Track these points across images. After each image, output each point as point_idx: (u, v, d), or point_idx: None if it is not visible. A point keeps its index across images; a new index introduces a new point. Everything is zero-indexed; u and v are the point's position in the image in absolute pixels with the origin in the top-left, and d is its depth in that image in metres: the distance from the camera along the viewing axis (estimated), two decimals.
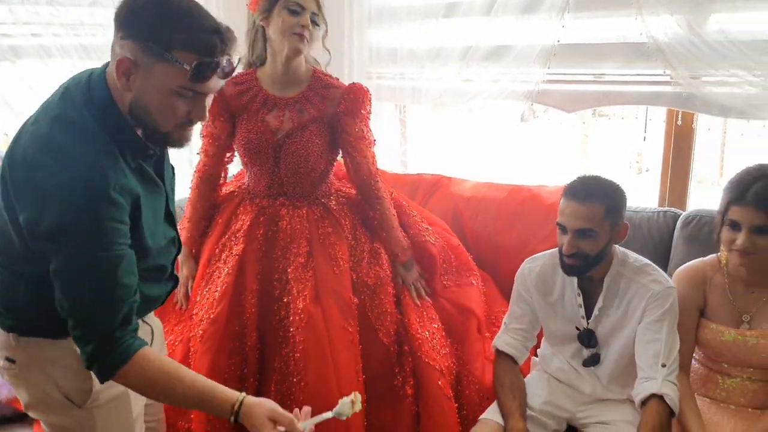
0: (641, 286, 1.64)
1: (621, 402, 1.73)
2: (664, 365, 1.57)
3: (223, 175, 2.07)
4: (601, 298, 1.69)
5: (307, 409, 1.31)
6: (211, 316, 1.78)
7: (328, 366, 1.71)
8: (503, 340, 1.82)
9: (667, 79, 2.18)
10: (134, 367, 1.17)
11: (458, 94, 2.48)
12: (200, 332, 1.78)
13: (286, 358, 1.74)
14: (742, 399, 1.65)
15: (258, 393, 1.76)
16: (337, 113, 1.89)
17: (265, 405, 1.24)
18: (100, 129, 1.16)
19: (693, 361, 1.73)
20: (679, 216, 2.17)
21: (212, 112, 1.89)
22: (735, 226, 1.54)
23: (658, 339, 1.59)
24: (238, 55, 1.22)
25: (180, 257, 1.88)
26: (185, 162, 2.30)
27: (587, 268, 1.64)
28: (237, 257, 1.84)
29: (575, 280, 1.71)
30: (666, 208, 2.24)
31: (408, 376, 1.82)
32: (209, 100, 1.21)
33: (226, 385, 1.64)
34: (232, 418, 1.21)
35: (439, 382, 1.78)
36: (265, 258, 1.86)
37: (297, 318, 1.75)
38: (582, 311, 1.72)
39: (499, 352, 1.81)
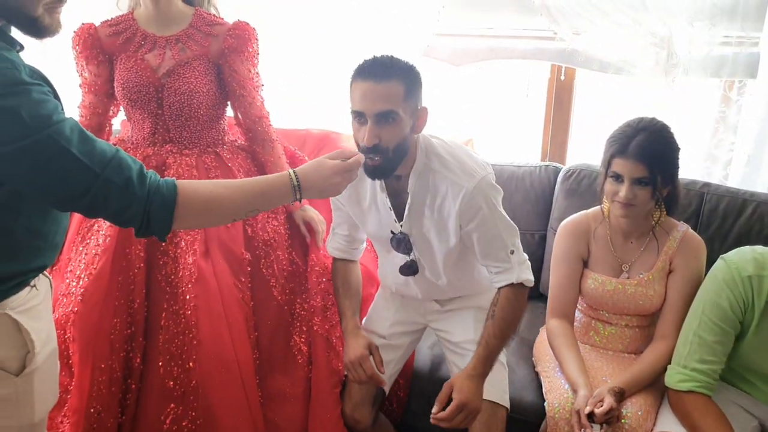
0: (451, 182, 1.51)
1: (466, 310, 1.75)
2: (512, 251, 1.56)
3: (106, 130, 1.91)
4: (409, 198, 1.56)
5: None
6: (92, 273, 1.64)
7: (221, 323, 1.64)
8: (332, 245, 1.78)
9: (551, 34, 2.22)
10: (188, 192, 1.14)
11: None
12: (81, 290, 1.63)
13: (176, 315, 1.64)
14: (620, 345, 1.74)
15: (145, 352, 1.67)
16: (222, 50, 1.78)
17: (325, 164, 1.27)
18: None
19: (576, 311, 1.80)
20: (560, 170, 2.24)
21: (83, 56, 1.79)
22: (618, 178, 1.59)
23: (495, 234, 1.54)
24: None
25: None
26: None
27: (391, 166, 1.47)
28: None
29: (381, 182, 1.58)
30: (547, 163, 2.30)
31: (302, 344, 1.76)
32: None
33: (112, 347, 1.62)
34: (297, 194, 1.23)
35: (328, 355, 1.73)
36: None
37: (187, 273, 1.65)
38: (392, 214, 1.60)
39: (334, 259, 1.79)
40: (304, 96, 2.54)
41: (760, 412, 1.54)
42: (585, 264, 1.76)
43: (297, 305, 1.80)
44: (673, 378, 1.51)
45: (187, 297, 1.63)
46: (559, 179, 2.20)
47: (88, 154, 1.04)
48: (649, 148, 1.55)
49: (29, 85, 1.00)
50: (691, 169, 2.18)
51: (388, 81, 1.39)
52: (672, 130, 1.62)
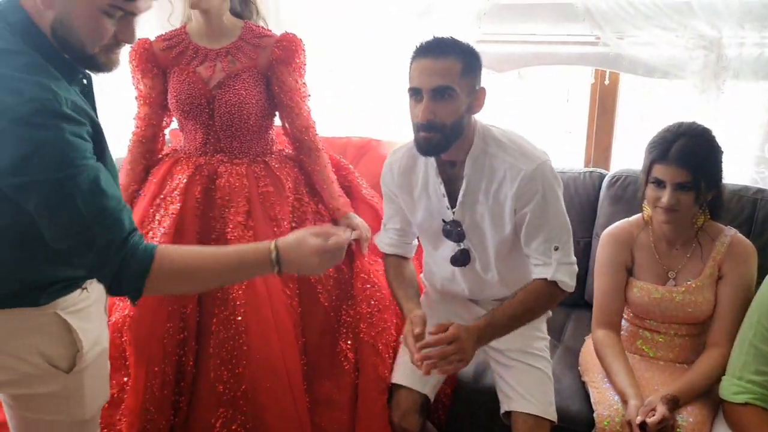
0: (509, 166, 1.48)
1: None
2: (557, 248, 1.51)
3: (159, 139, 1.99)
4: (464, 183, 1.53)
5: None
6: None
7: (271, 329, 1.67)
8: (383, 241, 1.77)
9: (594, 39, 2.20)
10: (163, 261, 1.13)
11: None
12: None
13: (226, 321, 1.68)
14: (670, 354, 1.71)
15: (197, 357, 1.71)
16: (271, 62, 1.83)
17: (307, 241, 1.22)
18: (31, 51, 1.06)
19: (623, 320, 1.77)
20: (605, 176, 2.21)
21: (139, 70, 1.86)
22: (659, 184, 1.57)
23: (545, 222, 1.50)
24: None
25: None
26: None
27: (445, 143, 1.45)
28: (174, 216, 1.76)
29: (436, 166, 1.56)
30: (591, 169, 2.28)
31: (349, 350, 1.77)
32: (136, 23, 1.14)
33: (164, 351, 1.66)
34: (276, 269, 1.19)
35: (375, 361, 1.74)
36: (203, 217, 1.79)
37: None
38: (446, 201, 1.57)
39: (385, 255, 1.78)
40: (349, 105, 2.57)
41: None
42: (629, 272, 1.73)
43: (343, 312, 1.82)
44: (728, 390, 1.48)
45: (237, 303, 1.67)
46: (604, 185, 2.17)
47: (90, 206, 1.06)
48: (691, 152, 1.53)
49: (65, 121, 1.02)
50: (743, 174, 2.13)
51: (446, 57, 1.40)
52: (713, 134, 1.59)
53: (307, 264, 1.22)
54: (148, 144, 1.94)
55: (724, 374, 1.51)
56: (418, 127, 1.44)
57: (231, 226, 1.75)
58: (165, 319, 1.68)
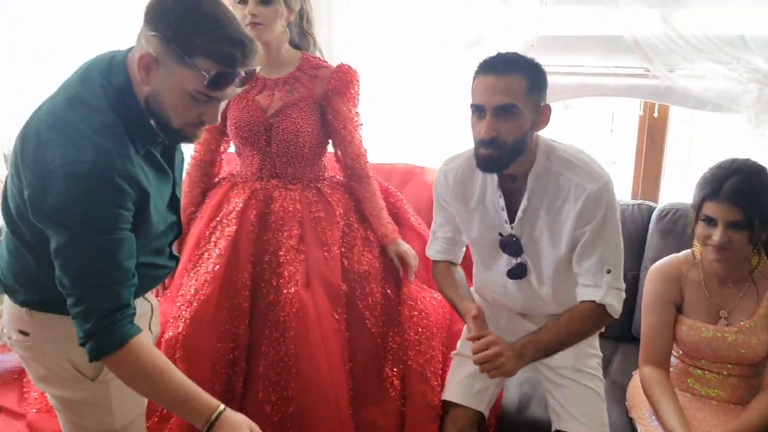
0: (575, 184, 1.46)
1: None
2: (609, 271, 1.47)
3: (217, 163, 2.06)
4: (525, 198, 1.51)
5: None
6: (201, 298, 1.74)
7: (320, 352, 1.69)
8: (434, 249, 1.76)
9: (643, 71, 2.20)
10: (129, 353, 1.16)
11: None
12: (189, 314, 1.73)
13: (276, 343, 1.71)
14: (723, 394, 1.66)
15: (246, 378, 1.74)
16: (326, 92, 1.88)
17: (245, 421, 1.21)
18: (114, 113, 1.16)
19: (672, 357, 1.74)
20: (654, 209, 2.18)
21: None
22: (710, 221, 1.54)
23: (601, 243, 1.47)
24: (260, 66, 1.22)
25: None
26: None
27: (506, 160, 1.43)
28: (229, 238, 1.82)
29: (496, 179, 1.54)
30: (640, 201, 2.26)
31: (395, 377, 1.78)
32: (222, 105, 1.21)
33: (214, 371, 1.70)
34: (205, 428, 1.18)
35: (423, 389, 1.74)
36: (257, 240, 1.83)
37: (288, 303, 1.73)
38: (504, 215, 1.55)
39: (434, 261, 1.77)
40: (394, 132, 2.61)
41: None
42: (679, 309, 1.70)
43: (389, 338, 1.83)
44: None
45: (288, 326, 1.70)
46: (653, 218, 2.15)
47: (97, 270, 1.13)
48: (744, 190, 1.49)
49: (111, 189, 1.11)
50: None
51: (510, 75, 1.39)
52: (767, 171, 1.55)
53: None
54: (206, 168, 2.02)
55: None
56: (479, 144, 1.43)
57: (284, 249, 1.80)
58: (217, 339, 1.72)
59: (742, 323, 1.61)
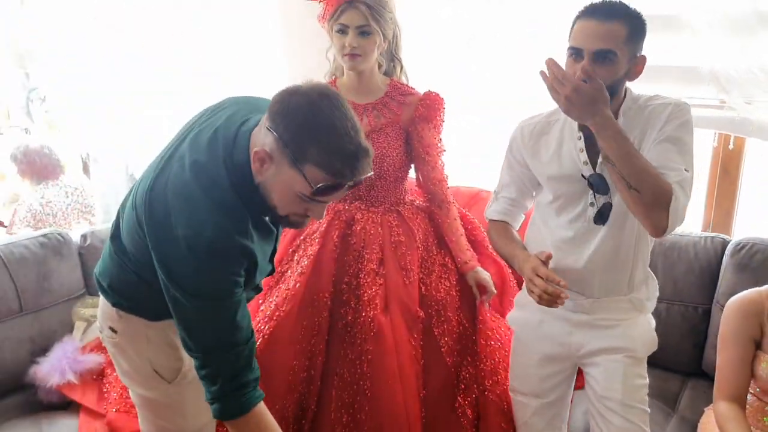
0: (658, 105, 1.48)
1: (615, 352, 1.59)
2: (686, 170, 1.42)
3: None
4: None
5: None
6: (281, 314, 1.78)
7: (395, 378, 1.70)
8: (493, 209, 1.74)
9: (719, 103, 2.17)
10: (252, 418, 1.25)
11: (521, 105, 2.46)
12: (269, 330, 1.77)
13: (351, 365, 1.74)
14: None
15: (320, 397, 1.76)
16: (413, 118, 1.93)
17: None
18: (233, 190, 1.21)
19: (749, 396, 1.68)
20: (728, 242, 2.14)
21: None
22: None
23: (681, 141, 1.44)
24: (371, 173, 1.24)
25: None
26: None
27: None
28: (312, 257, 1.85)
29: (575, 125, 1.52)
30: (713, 234, 2.21)
31: (468, 406, 1.78)
32: (328, 202, 1.27)
33: (288, 387, 1.72)
34: None
35: (500, 420, 1.75)
36: (339, 260, 1.87)
37: (366, 327, 1.75)
38: (584, 156, 1.52)
39: (491, 221, 1.75)
40: (461, 154, 2.64)
41: None
42: (758, 345, 1.66)
43: (463, 368, 1.83)
44: None
45: (365, 349, 1.72)
46: (727, 252, 2.10)
47: (220, 333, 1.22)
48: None
49: (227, 261, 1.19)
50: None
51: (612, 21, 1.39)
52: None
53: None
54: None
55: None
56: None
57: (364, 272, 1.82)
58: (294, 356, 1.75)
59: None
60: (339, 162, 1.15)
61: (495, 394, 1.77)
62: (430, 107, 1.93)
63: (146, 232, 1.23)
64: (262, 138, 1.19)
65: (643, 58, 1.46)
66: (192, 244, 1.16)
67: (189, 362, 1.39)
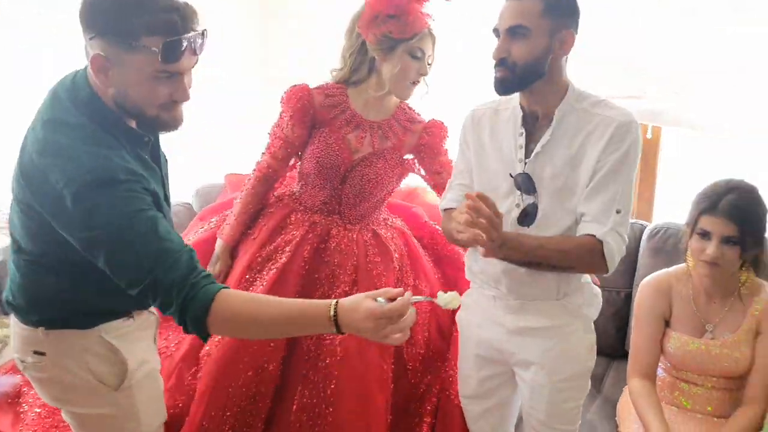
0: (604, 117, 1.39)
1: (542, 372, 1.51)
2: (618, 212, 1.37)
3: (279, 182, 2.02)
4: (548, 133, 1.42)
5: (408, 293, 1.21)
6: None
7: (360, 403, 1.67)
8: (448, 198, 1.63)
9: (639, 93, 2.25)
10: (222, 305, 1.16)
11: None
12: (218, 337, 1.70)
13: (314, 387, 1.68)
14: (708, 407, 1.70)
15: (270, 416, 1.71)
16: (418, 146, 1.90)
17: (362, 304, 1.15)
18: (92, 124, 1.19)
19: (659, 370, 1.77)
20: (645, 228, 2.23)
21: (295, 118, 1.83)
22: (705, 235, 1.58)
23: (617, 180, 1.37)
24: (203, 27, 1.21)
25: (217, 252, 1.91)
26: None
27: (518, 82, 1.39)
28: (278, 269, 1.78)
29: (520, 118, 1.47)
30: (633, 220, 2.30)
31: (426, 414, 1.77)
32: (188, 79, 1.22)
33: (233, 402, 1.65)
34: (334, 328, 1.15)
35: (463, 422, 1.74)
36: (307, 276, 1.80)
37: (333, 350, 1.70)
38: (521, 153, 1.46)
39: (445, 211, 1.63)
40: None
41: None
42: (667, 323, 1.74)
43: (425, 378, 1.82)
44: None
45: (330, 373, 1.67)
46: (644, 237, 2.20)
47: (149, 250, 1.14)
48: (741, 207, 1.54)
49: (118, 183, 1.14)
50: None
51: None
52: (761, 192, 1.61)
53: (363, 328, 1.14)
54: (272, 183, 1.95)
55: (760, 431, 1.51)
56: (495, 66, 1.41)
57: (335, 294, 1.76)
58: (240, 371, 1.67)
59: (726, 337, 1.65)
60: (165, 16, 1.13)
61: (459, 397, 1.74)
62: (435, 135, 1.89)
63: (40, 209, 1.18)
64: (91, 51, 1.16)
65: (569, 34, 1.40)
66: (79, 188, 1.12)
67: (134, 361, 1.35)
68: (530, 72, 1.39)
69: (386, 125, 1.87)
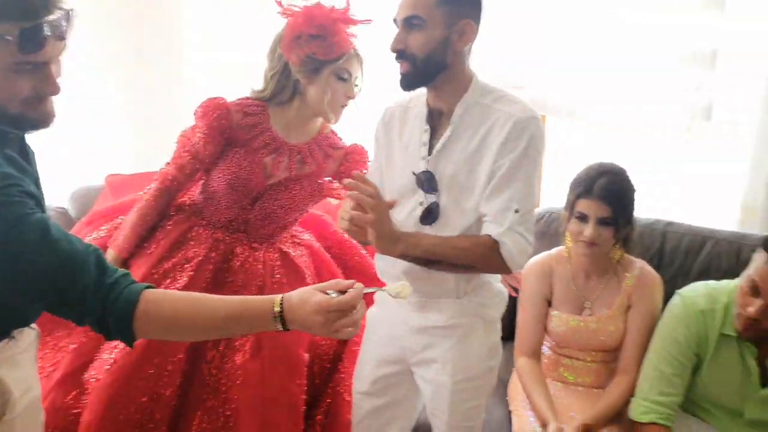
0: (504, 113, 1.37)
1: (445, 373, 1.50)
2: (516, 211, 1.36)
3: (182, 194, 1.88)
4: (449, 129, 1.40)
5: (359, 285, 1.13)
6: (128, 350, 1.56)
7: (257, 428, 1.60)
8: None
9: (522, 83, 2.33)
10: (149, 305, 1.07)
11: None
12: (111, 359, 1.59)
13: (214, 412, 1.61)
14: (588, 379, 1.80)
15: None
16: (339, 172, 1.83)
17: (311, 298, 1.07)
18: None
19: (544, 348, 1.86)
20: None
21: (209, 136, 1.71)
22: (583, 218, 1.66)
23: (515, 180, 1.35)
24: (68, 7, 1.07)
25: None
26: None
27: (421, 76, 1.38)
28: (178, 290, 1.66)
29: (425, 114, 1.44)
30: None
31: (318, 413, 1.74)
32: (57, 68, 1.09)
33: (123, 429, 1.54)
34: (279, 325, 1.07)
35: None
36: None
37: (232, 374, 1.64)
38: (424, 151, 1.44)
39: None
40: None
41: None
42: (550, 303, 1.82)
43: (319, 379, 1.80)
44: (635, 410, 1.57)
45: (230, 398, 1.61)
46: None
47: (45, 258, 1.02)
48: (613, 189, 1.63)
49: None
50: (651, 208, 2.27)
51: None
52: (629, 174, 1.70)
53: (312, 322, 1.07)
54: (174, 196, 1.83)
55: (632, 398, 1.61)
56: (396, 59, 1.38)
57: None
58: (130, 398, 1.58)
59: (602, 313, 1.75)
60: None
61: (348, 392, 1.72)
62: (355, 162, 1.82)
63: None
64: None
65: (468, 24, 1.37)
66: None
67: (17, 389, 1.22)
68: (431, 64, 1.37)
69: (306, 150, 1.79)
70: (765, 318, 1.43)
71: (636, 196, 1.71)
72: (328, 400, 1.76)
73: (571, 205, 1.70)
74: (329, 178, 1.86)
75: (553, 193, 2.58)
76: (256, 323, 1.11)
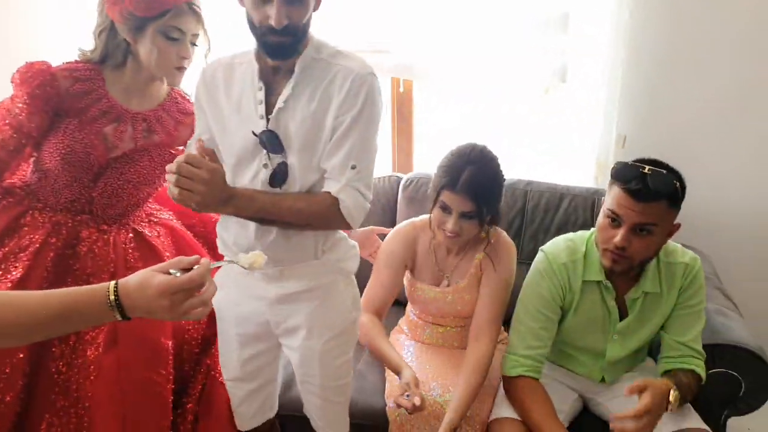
0: (343, 67, 1.36)
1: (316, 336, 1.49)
2: (354, 167, 1.35)
3: (7, 175, 1.63)
4: (289, 86, 1.36)
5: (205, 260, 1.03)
6: None
7: (118, 425, 1.48)
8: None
9: (387, 48, 2.30)
10: None
11: None
12: None
13: (65, 413, 1.46)
14: (455, 343, 1.86)
15: None
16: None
17: (151, 281, 0.96)
18: None
19: (412, 315, 1.90)
20: (401, 179, 2.32)
21: (32, 105, 1.50)
22: (446, 209, 1.62)
23: (352, 136, 1.34)
24: None
25: None
26: None
27: (296, 45, 1.34)
28: (13, 284, 1.47)
29: (257, 72, 1.38)
30: (391, 173, 2.38)
31: (190, 401, 1.65)
32: None
33: None
34: (117, 314, 0.95)
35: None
36: (51, 288, 1.50)
37: (84, 369, 1.49)
38: (262, 109, 1.38)
39: None
40: None
41: (579, 386, 1.71)
42: (411, 272, 1.84)
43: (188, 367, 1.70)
44: (506, 365, 1.61)
45: (83, 395, 1.47)
46: (400, 188, 2.28)
47: None
48: (478, 184, 1.57)
49: None
50: (520, 169, 2.35)
51: None
52: (499, 162, 1.64)
53: (156, 307, 0.96)
54: None
55: (490, 363, 1.66)
56: (267, 31, 1.30)
57: None
58: None
59: (458, 283, 1.78)
60: None
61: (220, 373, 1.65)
62: None
63: None
64: None
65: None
66: None
67: None
68: (305, 33, 1.35)
69: (153, 117, 1.63)
70: (630, 244, 1.46)
71: (503, 184, 1.65)
72: (199, 386, 1.66)
73: (436, 192, 1.63)
74: (183, 147, 1.70)
75: (424, 158, 2.61)
76: (90, 317, 0.98)
